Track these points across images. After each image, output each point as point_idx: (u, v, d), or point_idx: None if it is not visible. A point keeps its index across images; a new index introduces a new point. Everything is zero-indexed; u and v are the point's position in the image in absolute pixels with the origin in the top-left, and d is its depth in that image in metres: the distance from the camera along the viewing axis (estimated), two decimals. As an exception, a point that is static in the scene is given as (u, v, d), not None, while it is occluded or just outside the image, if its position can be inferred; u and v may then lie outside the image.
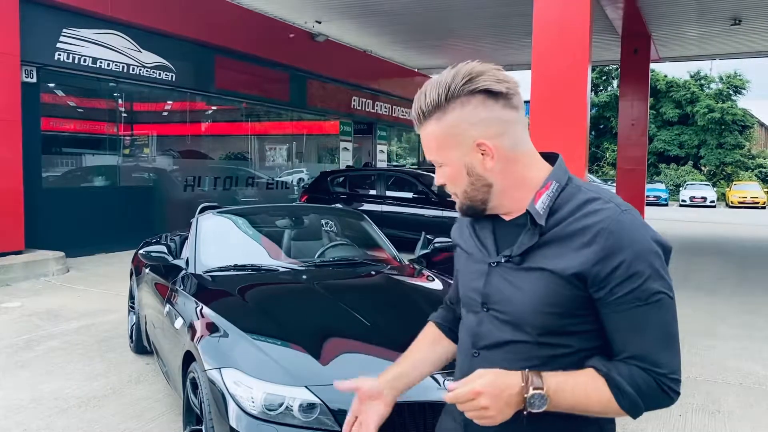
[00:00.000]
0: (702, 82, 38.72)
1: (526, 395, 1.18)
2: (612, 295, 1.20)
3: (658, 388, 1.20)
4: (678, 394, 1.22)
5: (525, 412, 1.19)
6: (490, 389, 1.18)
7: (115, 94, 11.67)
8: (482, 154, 1.26)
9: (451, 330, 1.60)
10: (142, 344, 5.09)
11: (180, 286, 3.92)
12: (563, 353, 1.27)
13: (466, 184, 1.31)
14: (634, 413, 1.22)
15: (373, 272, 4.28)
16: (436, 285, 3.95)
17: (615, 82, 38.14)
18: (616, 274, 1.19)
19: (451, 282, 1.66)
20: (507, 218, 1.35)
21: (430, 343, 1.61)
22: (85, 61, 10.46)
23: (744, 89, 37.92)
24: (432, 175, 13.50)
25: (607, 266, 1.19)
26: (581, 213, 1.24)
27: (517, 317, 1.28)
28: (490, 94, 1.24)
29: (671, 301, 1.24)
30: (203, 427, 2.86)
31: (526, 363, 1.26)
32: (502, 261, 1.32)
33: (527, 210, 1.27)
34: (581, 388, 1.21)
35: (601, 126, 39.40)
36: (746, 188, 31.99)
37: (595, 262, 1.19)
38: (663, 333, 1.22)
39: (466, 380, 1.20)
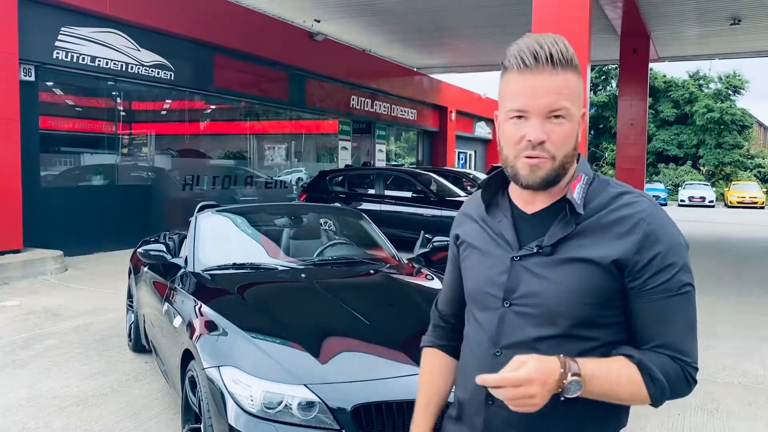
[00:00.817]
0: (701, 81, 38.77)
1: (564, 381, 1.16)
2: (647, 285, 1.22)
3: (683, 377, 1.24)
4: (696, 382, 1.26)
5: (562, 398, 1.18)
6: (539, 376, 1.14)
7: (113, 93, 11.66)
8: (580, 125, 1.26)
9: (454, 348, 1.53)
10: (140, 343, 5.09)
11: (179, 285, 3.91)
12: (591, 347, 1.26)
13: (570, 147, 1.25)
14: (660, 401, 1.24)
15: (372, 271, 4.28)
16: (435, 284, 3.95)
17: (614, 82, 38.17)
18: (653, 264, 1.22)
19: None
20: (529, 211, 1.33)
21: (444, 376, 1.55)
22: (83, 59, 10.44)
23: (743, 89, 37.99)
24: (430, 174, 13.52)
25: (646, 256, 1.22)
26: (617, 204, 1.26)
27: (550, 310, 1.25)
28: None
29: (694, 294, 1.27)
30: (202, 426, 2.85)
31: None
32: (530, 253, 1.29)
33: (567, 198, 1.26)
34: (614, 374, 1.21)
35: (600, 125, 39.44)
36: (745, 188, 32.04)
37: (635, 251, 1.22)
38: (689, 323, 1.26)
39: (510, 367, 1.15)
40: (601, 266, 1.23)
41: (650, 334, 1.25)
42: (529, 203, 1.34)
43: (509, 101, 1.25)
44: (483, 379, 1.16)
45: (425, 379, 1.56)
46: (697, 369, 1.26)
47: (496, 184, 1.41)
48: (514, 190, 1.37)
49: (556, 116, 1.22)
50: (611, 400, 1.24)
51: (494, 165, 19.81)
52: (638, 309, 1.25)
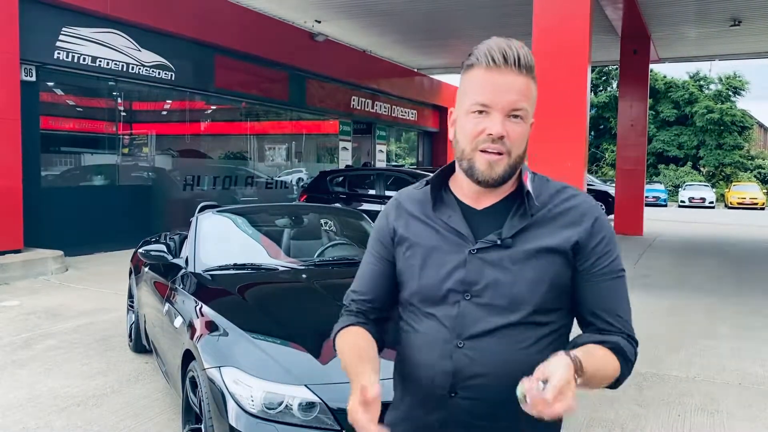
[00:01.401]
0: (701, 82, 38.77)
1: (577, 378, 1.16)
2: (595, 267, 1.33)
3: (635, 353, 1.35)
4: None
5: None
6: (570, 376, 1.12)
7: (114, 93, 11.67)
8: (530, 126, 1.35)
9: (376, 337, 1.46)
10: (141, 343, 5.09)
11: (179, 285, 3.92)
12: (550, 331, 1.34)
13: (523, 148, 1.33)
14: (624, 380, 1.33)
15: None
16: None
17: (614, 83, 38.17)
18: (599, 248, 1.33)
19: None
20: (479, 207, 1.38)
21: (373, 344, 1.44)
22: (84, 60, 10.45)
23: (743, 90, 37.99)
24: (430, 175, 13.45)
25: (594, 240, 1.33)
26: (562, 197, 1.37)
27: (514, 299, 1.30)
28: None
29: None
30: (202, 426, 2.85)
31: (519, 345, 1.30)
32: (488, 246, 1.32)
33: (524, 191, 1.34)
34: (601, 363, 1.27)
35: (601, 126, 39.43)
36: (745, 189, 32.01)
37: (587, 236, 1.33)
38: (628, 304, 1.38)
39: (549, 373, 1.10)
40: (560, 253, 1.32)
41: (599, 312, 1.34)
42: (477, 200, 1.38)
43: (474, 95, 1.29)
44: (547, 393, 1.08)
45: (351, 343, 1.42)
46: (638, 344, 1.37)
47: (440, 182, 1.44)
48: (459, 188, 1.41)
49: (516, 116, 1.29)
50: (592, 387, 1.27)
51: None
52: (588, 290, 1.34)
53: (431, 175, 1.45)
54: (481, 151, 1.29)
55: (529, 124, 1.32)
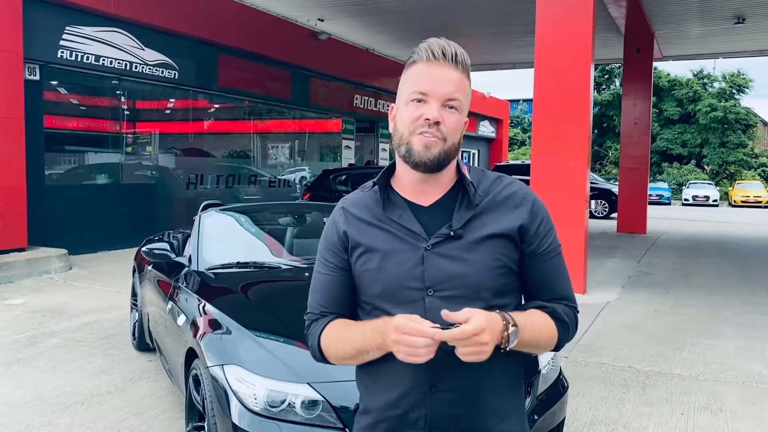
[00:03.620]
0: (705, 80, 38.65)
1: (507, 332, 1.28)
2: (539, 248, 1.43)
3: (575, 319, 1.47)
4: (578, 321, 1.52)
5: (503, 349, 1.29)
6: (491, 325, 1.24)
7: (117, 92, 11.68)
8: (464, 123, 1.43)
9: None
10: (144, 341, 5.10)
11: (182, 284, 3.92)
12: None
13: (458, 137, 1.40)
14: (564, 343, 1.46)
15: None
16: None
17: (618, 81, 38.07)
18: (540, 230, 1.43)
19: None
20: (425, 203, 1.42)
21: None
22: (87, 58, 10.47)
23: (747, 88, 37.86)
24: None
25: (535, 223, 1.42)
26: (502, 185, 1.45)
27: (475, 287, 1.36)
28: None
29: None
30: (206, 424, 2.86)
31: None
32: (441, 240, 1.37)
33: (466, 181, 1.41)
34: (537, 324, 1.39)
35: (604, 124, 39.36)
36: (749, 187, 31.94)
37: (529, 220, 1.42)
38: (568, 276, 1.50)
39: (462, 318, 1.22)
40: (508, 237, 1.40)
41: (547, 289, 1.45)
42: (422, 196, 1.43)
43: (414, 85, 1.38)
44: (442, 335, 1.20)
45: (342, 326, 1.44)
46: (578, 311, 1.51)
47: (386, 183, 1.47)
48: (402, 186, 1.45)
49: (451, 106, 1.36)
50: (532, 349, 1.40)
51: (497, 164, 19.76)
52: (534, 269, 1.44)
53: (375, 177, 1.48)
54: (419, 134, 1.35)
55: (464, 117, 1.40)
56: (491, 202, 1.41)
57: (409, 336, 1.22)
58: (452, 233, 1.37)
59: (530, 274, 1.44)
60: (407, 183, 1.43)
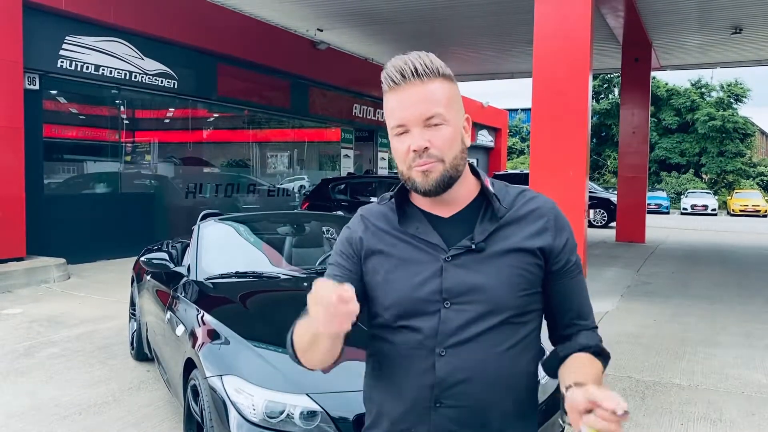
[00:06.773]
0: (703, 90, 38.76)
1: None
2: (566, 265, 1.38)
3: (601, 341, 1.42)
4: None
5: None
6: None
7: (117, 101, 11.71)
8: (464, 129, 1.36)
9: None
10: (143, 351, 5.09)
11: (181, 293, 3.92)
12: (526, 333, 1.36)
13: (457, 149, 1.33)
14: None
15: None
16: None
17: (616, 90, 38.18)
18: (566, 247, 1.38)
19: None
20: (446, 215, 1.38)
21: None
22: (87, 68, 10.50)
23: (745, 97, 37.94)
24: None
25: (560, 240, 1.38)
26: (525, 199, 1.40)
27: (494, 302, 1.31)
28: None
29: None
30: (204, 435, 2.85)
31: (499, 347, 1.31)
32: (462, 252, 1.32)
33: (490, 194, 1.37)
34: (598, 374, 1.32)
35: (603, 134, 39.44)
36: (747, 196, 31.97)
37: (554, 237, 1.37)
38: (588, 297, 1.45)
39: (605, 397, 1.06)
40: (530, 252, 1.34)
41: (572, 309, 1.40)
42: (441, 208, 1.38)
43: (391, 119, 1.32)
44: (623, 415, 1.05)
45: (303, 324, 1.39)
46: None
47: (402, 196, 1.43)
48: (420, 199, 1.40)
49: (434, 123, 1.29)
50: None
51: (496, 173, 19.71)
52: (560, 288, 1.39)
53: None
54: (415, 167, 1.30)
55: (457, 125, 1.32)
56: (514, 215, 1.37)
57: (318, 293, 1.13)
58: (474, 246, 1.32)
59: (557, 294, 1.39)
60: (423, 199, 1.39)
